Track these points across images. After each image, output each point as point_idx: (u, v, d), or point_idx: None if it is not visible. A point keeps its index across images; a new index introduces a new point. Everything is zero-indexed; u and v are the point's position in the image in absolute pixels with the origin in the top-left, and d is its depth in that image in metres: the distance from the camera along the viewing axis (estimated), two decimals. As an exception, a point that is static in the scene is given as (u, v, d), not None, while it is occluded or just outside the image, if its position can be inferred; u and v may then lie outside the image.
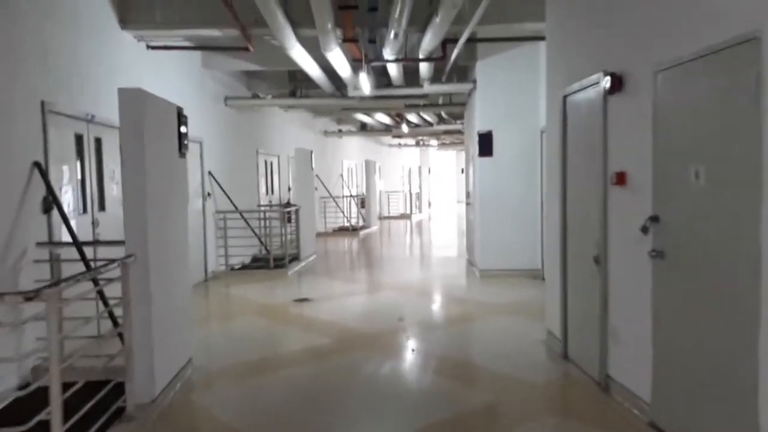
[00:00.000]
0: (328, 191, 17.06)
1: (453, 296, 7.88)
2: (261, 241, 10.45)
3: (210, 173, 9.55)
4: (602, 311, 4.15)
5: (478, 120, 9.02)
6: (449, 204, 33.10)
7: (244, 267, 10.14)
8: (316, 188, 16.36)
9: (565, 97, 4.86)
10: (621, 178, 3.90)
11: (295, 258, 10.62)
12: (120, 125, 4.05)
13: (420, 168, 24.96)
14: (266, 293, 8.27)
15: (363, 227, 17.67)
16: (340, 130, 17.64)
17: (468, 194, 10.94)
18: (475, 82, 9.12)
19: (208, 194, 9.46)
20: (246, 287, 8.74)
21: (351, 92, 9.32)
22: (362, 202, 18.61)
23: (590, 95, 4.32)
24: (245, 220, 10.13)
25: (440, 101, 11.79)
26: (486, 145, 8.96)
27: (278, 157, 13.54)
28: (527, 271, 8.92)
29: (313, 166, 11.83)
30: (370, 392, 4.40)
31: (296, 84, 10.82)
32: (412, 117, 14.80)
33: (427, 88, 9.09)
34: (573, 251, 4.84)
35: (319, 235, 16.21)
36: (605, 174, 4.11)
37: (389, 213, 23.63)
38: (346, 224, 17.59)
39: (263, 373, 4.84)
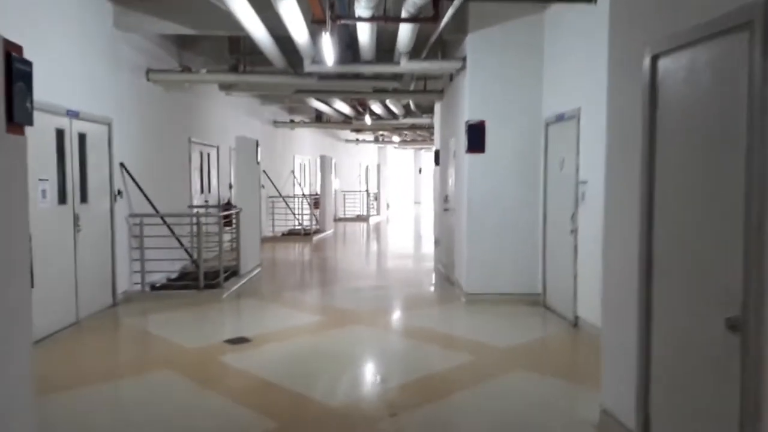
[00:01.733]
0: (278, 190, 14.96)
1: (441, 335, 5.98)
2: (189, 254, 8.32)
3: (122, 165, 7.38)
4: (752, 419, 2.38)
5: (468, 108, 7.21)
6: (407, 205, 31.40)
7: (166, 285, 8.01)
8: (263, 186, 14.25)
9: (655, 58, 3.07)
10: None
11: (234, 273, 8.56)
12: None
13: (379, 166, 23.11)
14: (190, 328, 6.20)
15: (317, 231, 15.66)
16: (292, 121, 15.55)
17: (446, 198, 9.14)
18: (464, 60, 7.31)
19: (119, 193, 7.28)
20: (164, 317, 6.64)
21: (308, 67, 7.35)
22: (316, 203, 16.59)
23: (726, 48, 2.54)
24: (168, 226, 7.98)
25: (412, 87, 9.94)
26: (477, 138, 7.17)
27: (217, 148, 11.39)
28: (525, 296, 7.19)
29: (259, 159, 9.77)
30: None
31: (239, 58, 8.74)
32: (376, 107, 12.90)
33: (405, 65, 7.22)
34: (669, 305, 3.04)
35: (265, 240, 14.08)
36: (759, 181, 2.33)
37: (345, 214, 21.68)
38: (298, 227, 15.55)
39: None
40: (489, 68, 7.16)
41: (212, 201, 11.28)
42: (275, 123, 15.14)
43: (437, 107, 13.55)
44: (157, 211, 7.84)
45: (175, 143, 9.32)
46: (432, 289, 8.55)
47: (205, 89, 10.75)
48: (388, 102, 12.12)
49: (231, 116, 12.01)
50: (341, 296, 7.85)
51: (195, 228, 8.36)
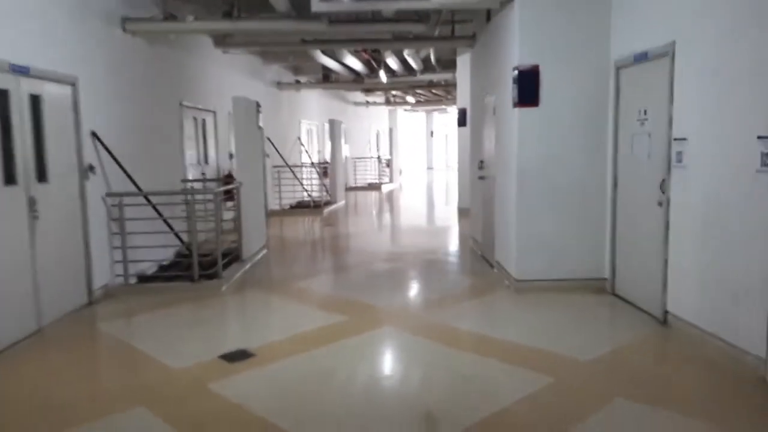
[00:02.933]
0: (283, 158, 13.60)
1: (498, 343, 4.59)
2: (180, 239, 7.03)
3: (94, 135, 6.05)
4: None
5: (518, 49, 5.76)
6: (419, 172, 29.96)
7: (155, 276, 6.77)
8: (267, 155, 12.90)
9: None
10: None
11: (236, 258, 7.30)
12: None
13: (391, 131, 21.63)
14: (178, 337, 4.95)
15: (327, 202, 14.36)
16: (297, 81, 14.07)
17: (481, 164, 7.75)
18: (510, -11, 5.83)
19: (90, 168, 5.97)
20: (148, 321, 5.40)
21: (316, 5, 5.90)
22: (325, 172, 15.24)
23: None
24: (154, 207, 6.68)
25: (437, 33, 8.45)
26: (529, 88, 5.75)
27: (214, 113, 10.00)
28: (587, 282, 5.90)
29: (261, 123, 8.40)
30: None
31: (233, 2, 7.29)
32: (392, 62, 11.39)
33: (436, -2, 5.75)
34: None
35: (272, 214, 12.83)
36: None
37: (356, 183, 20.32)
38: (307, 198, 14.25)
39: None
40: (543, -1, 5.69)
41: (210, 173, 9.98)
42: (279, 85, 13.68)
43: (461, 60, 12.06)
44: (139, 189, 6.53)
45: (163, 108, 7.96)
46: (469, 273, 7.25)
47: (198, 46, 9.32)
48: (406, 54, 10.62)
49: (229, 77, 10.58)
50: (362, 286, 6.57)
51: (191, 206, 7.07)
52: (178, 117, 8.55)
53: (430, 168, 32.81)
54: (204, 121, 9.76)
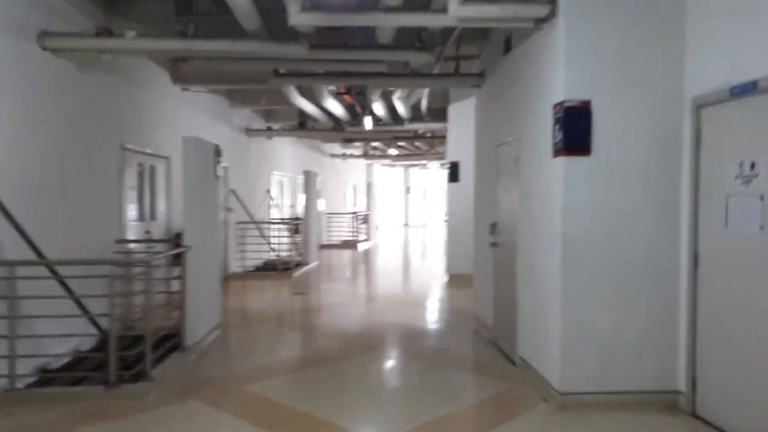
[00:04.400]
0: (249, 214, 11.92)
1: None
2: (96, 325, 5.19)
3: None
4: None
5: (562, 81, 4.33)
6: (395, 229, 28.48)
7: (52, 379, 4.91)
8: (230, 209, 11.22)
9: None
10: None
11: (176, 346, 5.49)
12: None
13: (369, 185, 20.21)
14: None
15: (298, 264, 12.62)
16: (269, 128, 12.56)
17: (494, 227, 6.21)
18: (552, 2, 4.44)
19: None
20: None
21: (295, 17, 4.42)
22: (296, 229, 13.56)
23: None
24: (60, 280, 4.88)
25: (436, 70, 7.09)
26: (578, 130, 4.30)
27: (167, 160, 8.35)
28: (654, 397, 4.29)
29: (221, 172, 6.77)
30: None
31: (190, 19, 5.80)
32: (379, 107, 10.01)
33: (458, 10, 4.30)
34: None
35: (233, 278, 11.02)
36: None
37: (330, 240, 18.64)
38: (274, 257, 12.49)
39: None
40: (596, 13, 4.32)
41: (158, 232, 8.22)
42: (248, 131, 12.15)
43: (454, 109, 10.77)
44: (41, 256, 4.76)
45: (96, 150, 6.29)
46: (481, 372, 5.54)
47: (151, 80, 7.77)
48: (396, 98, 9.24)
49: (189, 119, 9.00)
50: (334, 392, 4.81)
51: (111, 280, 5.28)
52: (117, 162, 6.87)
53: (406, 225, 31.39)
54: (153, 168, 8.09)
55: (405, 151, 18.79)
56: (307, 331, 7.11)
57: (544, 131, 4.65)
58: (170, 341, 5.57)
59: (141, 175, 7.75)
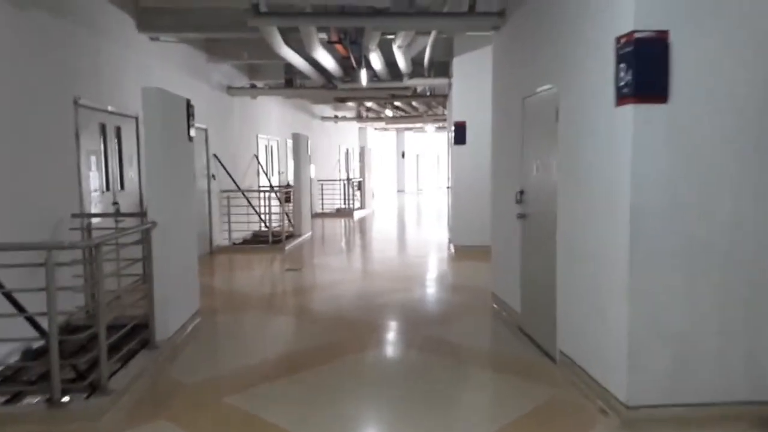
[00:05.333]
0: (235, 181, 10.87)
1: None
2: (35, 326, 4.16)
3: None
4: None
5: (633, 5, 3.29)
6: (390, 196, 27.48)
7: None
8: (213, 176, 10.17)
9: None
10: None
11: (144, 343, 4.54)
12: None
13: (363, 150, 19.10)
14: None
15: (290, 235, 11.64)
16: (253, 86, 11.39)
17: (520, 195, 5.21)
18: None
19: None
20: None
21: None
22: (288, 197, 12.54)
23: None
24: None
25: (446, 9, 5.98)
26: (650, 70, 3.27)
27: (136, 119, 7.23)
28: (745, 409, 3.40)
29: (193, 131, 5.69)
30: None
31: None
32: (376, 60, 8.88)
33: None
34: None
35: (219, 251, 10.05)
36: None
37: (323, 209, 17.64)
38: (263, 229, 11.51)
39: None
40: None
41: (129, 204, 7.18)
42: (230, 90, 10.99)
43: (459, 63, 9.66)
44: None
45: (42, 107, 5.19)
46: (511, 370, 4.57)
47: (113, 27, 6.64)
48: (396, 48, 8.12)
49: (160, 74, 7.85)
50: (348, 407, 3.90)
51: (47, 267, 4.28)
52: (70, 121, 5.78)
53: (400, 191, 30.39)
54: (118, 129, 7.00)
55: (401, 113, 17.64)
56: (301, 317, 6.15)
57: (599, 74, 3.63)
58: (138, 337, 4.63)
59: (104, 136, 6.67)
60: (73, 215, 5.67)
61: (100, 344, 3.74)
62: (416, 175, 31.41)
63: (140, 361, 4.33)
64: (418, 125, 22.48)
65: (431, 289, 7.42)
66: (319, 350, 4.93)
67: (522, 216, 5.22)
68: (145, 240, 4.69)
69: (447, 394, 3.99)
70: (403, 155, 30.71)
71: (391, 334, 5.45)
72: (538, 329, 4.87)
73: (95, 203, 6.41)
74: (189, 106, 5.60)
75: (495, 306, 6.13)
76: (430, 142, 30.55)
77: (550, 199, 4.52)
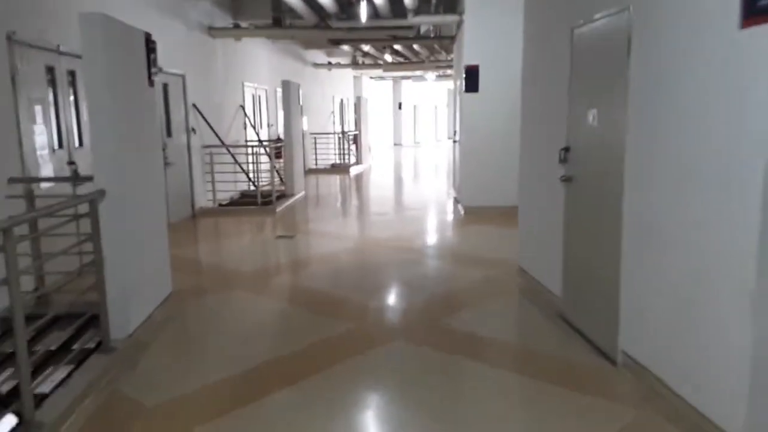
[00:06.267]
0: (218, 135, 9.74)
1: None
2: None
3: None
4: None
5: None
6: (387, 149, 26.28)
7: None
8: (193, 130, 9.05)
9: None
10: None
11: (96, 347, 3.57)
12: None
13: (359, 100, 17.81)
14: None
15: (281, 195, 10.61)
16: (237, 26, 10.09)
17: (565, 154, 4.17)
18: None
19: None
20: None
21: None
22: (278, 152, 11.42)
23: None
24: None
25: None
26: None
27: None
28: None
29: (155, 75, 4.56)
30: None
31: None
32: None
33: None
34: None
35: (203, 214, 9.03)
36: None
37: (317, 165, 16.52)
38: (251, 189, 10.48)
39: None
40: None
41: (87, 165, 6.08)
42: (211, 30, 9.70)
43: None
44: None
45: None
46: (568, 384, 3.63)
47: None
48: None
49: (122, 8, 6.61)
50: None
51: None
52: (2, 63, 4.64)
53: (397, 144, 29.16)
54: (72, 73, 5.83)
55: (400, 59, 16.29)
56: (294, 302, 5.15)
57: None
58: (86, 335, 3.65)
59: (53, 82, 5.52)
60: (11, 180, 4.60)
61: (18, 364, 2.75)
62: (413, 128, 30.12)
63: (86, 375, 3.35)
64: (418, 73, 21.09)
65: (443, 262, 6.43)
66: (316, 350, 3.96)
67: (567, 179, 4.19)
68: (92, 214, 3.64)
69: (482, 415, 3.05)
70: (399, 106, 29.32)
71: (402, 325, 4.50)
72: (589, 321, 3.92)
73: (44, 164, 5.33)
74: (149, 41, 4.45)
75: (524, 284, 5.18)
76: (428, 92, 29.14)
77: (613, 159, 3.48)
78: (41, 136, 5.30)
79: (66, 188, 5.24)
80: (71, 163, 5.77)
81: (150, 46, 4.46)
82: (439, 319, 4.50)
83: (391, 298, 5.19)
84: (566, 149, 4.20)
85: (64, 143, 5.71)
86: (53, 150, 5.51)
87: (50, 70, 5.48)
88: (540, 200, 4.86)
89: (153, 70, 4.50)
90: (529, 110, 5.20)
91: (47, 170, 5.38)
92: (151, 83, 4.52)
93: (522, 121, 5.36)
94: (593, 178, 3.85)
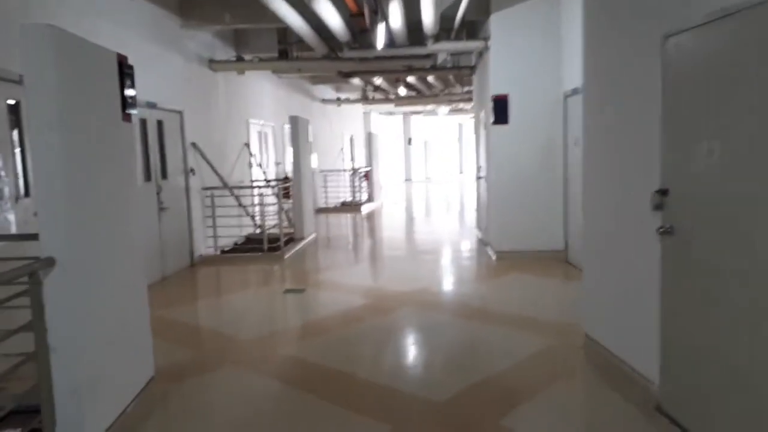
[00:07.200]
0: (220, 176, 8.86)
1: None
2: None
3: None
4: None
5: None
6: (397, 185, 25.43)
7: None
8: (192, 171, 8.17)
9: None
10: None
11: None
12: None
13: (369, 136, 17.00)
14: None
15: (290, 239, 9.66)
16: (239, 59, 9.31)
17: (664, 197, 3.18)
18: None
19: None
20: None
21: None
22: (286, 192, 10.51)
23: None
24: None
25: None
26: None
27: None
28: None
29: (134, 104, 3.64)
30: None
31: None
32: (395, 10, 6.81)
33: None
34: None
35: (203, 263, 8.06)
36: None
37: (327, 203, 15.63)
38: (256, 231, 9.56)
39: None
40: None
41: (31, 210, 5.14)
42: (212, 63, 8.92)
43: (498, 19, 7.56)
44: None
45: None
46: None
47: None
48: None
49: (114, 35, 5.79)
50: None
51: None
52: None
53: (408, 180, 28.33)
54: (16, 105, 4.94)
55: (412, 93, 15.53)
56: (304, 387, 4.07)
57: None
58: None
59: (17, 121, 4.64)
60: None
61: None
62: (424, 163, 29.34)
63: None
64: (429, 107, 20.34)
65: (483, 324, 5.34)
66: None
67: (667, 231, 3.18)
68: (32, 291, 2.66)
69: None
70: (410, 142, 28.60)
71: (446, 428, 3.42)
72: (709, 423, 2.86)
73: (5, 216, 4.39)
74: (124, 65, 3.55)
75: (597, 360, 4.12)
76: (439, 127, 28.47)
77: (748, 207, 2.49)
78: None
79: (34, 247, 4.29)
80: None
81: (125, 71, 3.56)
82: (495, 420, 3.42)
83: (424, 382, 4.11)
84: (663, 192, 3.21)
85: (28, 191, 4.79)
86: (16, 199, 4.58)
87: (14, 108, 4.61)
88: (618, 253, 3.85)
89: (129, 101, 3.59)
90: (595, 142, 4.23)
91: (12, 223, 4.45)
92: (127, 118, 3.60)
93: (584, 155, 4.39)
94: (712, 232, 2.85)
